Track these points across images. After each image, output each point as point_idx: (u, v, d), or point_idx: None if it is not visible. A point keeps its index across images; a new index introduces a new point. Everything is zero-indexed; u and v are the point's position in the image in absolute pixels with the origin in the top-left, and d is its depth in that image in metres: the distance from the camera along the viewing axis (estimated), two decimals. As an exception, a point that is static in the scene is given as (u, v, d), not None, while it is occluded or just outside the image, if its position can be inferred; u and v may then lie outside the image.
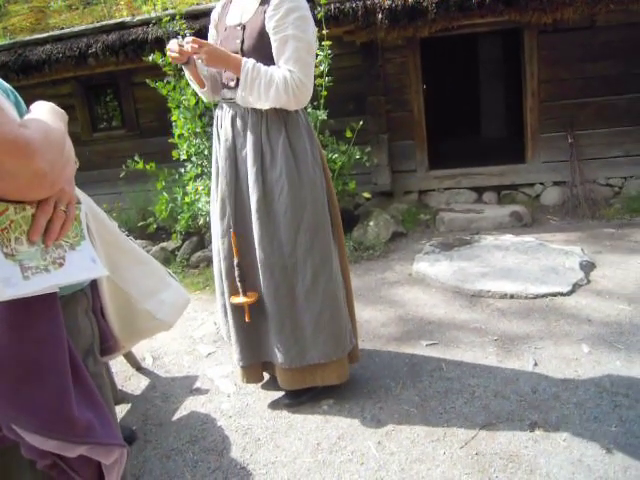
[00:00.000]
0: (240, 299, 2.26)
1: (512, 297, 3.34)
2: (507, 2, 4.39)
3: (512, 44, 5.62)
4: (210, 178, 4.18)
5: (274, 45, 2.11)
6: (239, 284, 2.26)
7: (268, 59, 2.14)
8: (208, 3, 5.14)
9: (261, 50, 2.15)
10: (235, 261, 2.27)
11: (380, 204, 5.10)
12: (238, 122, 2.27)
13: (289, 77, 2.07)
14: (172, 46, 2.14)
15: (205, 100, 2.50)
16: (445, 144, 5.75)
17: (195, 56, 2.15)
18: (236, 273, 2.27)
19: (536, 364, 2.61)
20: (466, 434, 2.17)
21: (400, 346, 2.91)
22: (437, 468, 2.01)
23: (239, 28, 2.22)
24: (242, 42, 2.19)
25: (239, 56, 2.16)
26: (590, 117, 5.07)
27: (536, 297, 3.31)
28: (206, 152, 4.27)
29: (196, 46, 2.08)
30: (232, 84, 2.24)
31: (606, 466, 1.93)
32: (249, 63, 2.11)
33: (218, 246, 2.40)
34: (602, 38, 4.88)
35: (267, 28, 2.11)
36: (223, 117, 2.34)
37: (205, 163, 4.36)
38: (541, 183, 5.31)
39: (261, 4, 2.15)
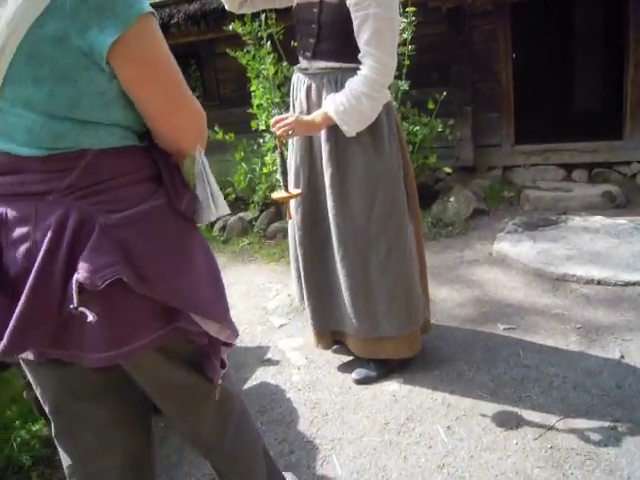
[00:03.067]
0: (282, 193, 2.16)
1: (599, 283, 3.13)
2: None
3: (614, 8, 5.20)
4: (288, 149, 4.21)
5: (355, 22, 2.01)
6: (281, 178, 2.19)
7: (346, 32, 2.05)
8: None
9: (339, 25, 2.06)
10: (278, 160, 2.24)
11: (461, 179, 4.92)
12: (313, 93, 2.24)
13: (369, 76, 2.01)
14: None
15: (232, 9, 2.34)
16: (534, 117, 5.44)
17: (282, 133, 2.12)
18: (279, 169, 2.22)
19: (622, 357, 2.45)
20: (541, 426, 2.07)
21: (476, 328, 2.81)
22: (508, 458, 1.93)
23: None
24: (319, 12, 2.12)
25: (321, 112, 2.12)
26: (698, 90, 4.63)
27: (626, 285, 3.09)
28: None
29: (285, 127, 2.09)
30: (308, 54, 2.19)
31: (697, 473, 1.79)
32: (330, 110, 2.07)
33: (293, 216, 2.40)
34: None
35: (347, 3, 2.02)
36: (299, 88, 2.31)
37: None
38: (639, 162, 4.94)
39: None
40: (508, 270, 3.48)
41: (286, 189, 2.15)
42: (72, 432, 1.29)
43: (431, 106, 4.18)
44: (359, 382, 2.44)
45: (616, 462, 1.86)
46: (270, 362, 2.73)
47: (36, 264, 0.99)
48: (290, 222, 2.46)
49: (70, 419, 1.28)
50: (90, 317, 0.99)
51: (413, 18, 3.84)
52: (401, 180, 2.27)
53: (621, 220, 3.98)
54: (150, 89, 1.07)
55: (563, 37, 6.98)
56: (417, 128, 4.16)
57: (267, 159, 4.34)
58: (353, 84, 2.04)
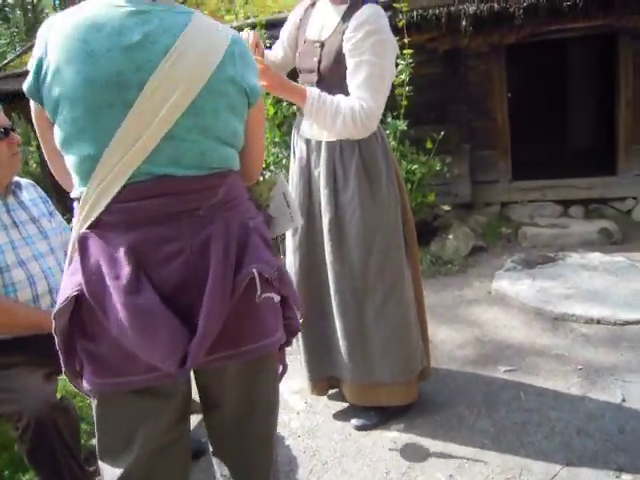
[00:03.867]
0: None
1: (599, 322, 3.14)
2: (602, 6, 4.14)
3: (604, 50, 5.32)
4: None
5: (349, 67, 2.07)
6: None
7: (343, 80, 2.10)
8: (289, 12, 5.17)
9: (337, 71, 2.12)
10: None
11: (459, 216, 4.96)
12: (313, 140, 2.26)
13: (357, 107, 2.03)
14: (249, 38, 2.05)
15: None
16: (530, 154, 5.52)
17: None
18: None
19: (624, 400, 2.44)
20: (545, 473, 2.05)
21: (476, 370, 2.80)
22: (512, 509, 1.91)
23: (317, 45, 2.19)
24: (319, 61, 2.17)
25: (303, 87, 2.13)
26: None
27: (625, 324, 3.10)
28: (284, 162, 4.29)
29: (264, 69, 2.06)
30: None
31: (703, 524, 1.76)
32: (314, 93, 2.07)
33: (291, 260, 2.41)
34: None
35: (344, 50, 2.07)
36: (299, 136, 2.34)
37: (283, 172, 4.38)
38: (633, 197, 4.99)
39: (342, 20, 2.12)
40: (507, 309, 3.48)
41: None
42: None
43: (429, 145, 4.23)
44: (359, 429, 2.41)
45: (621, 513, 1.84)
46: (269, 406, 2.70)
47: (212, 273, 1.11)
48: (288, 266, 2.46)
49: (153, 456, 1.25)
50: (276, 298, 1.21)
51: (410, 60, 3.90)
52: (399, 227, 2.29)
53: (618, 257, 4.00)
54: (262, 129, 1.37)
55: (557, 76, 7.11)
56: (416, 167, 4.20)
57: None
58: (344, 102, 2.05)
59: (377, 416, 2.43)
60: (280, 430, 2.49)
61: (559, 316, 3.25)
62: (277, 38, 4.52)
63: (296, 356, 3.02)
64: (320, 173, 2.25)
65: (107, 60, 1.09)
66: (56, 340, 1.15)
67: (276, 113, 4.19)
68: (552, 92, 7.07)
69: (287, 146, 4.33)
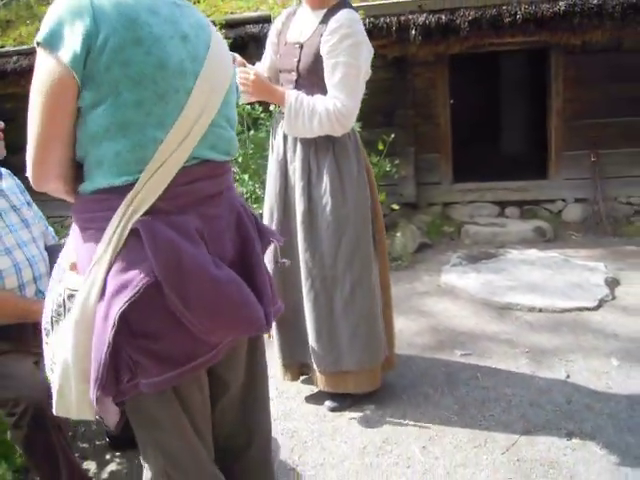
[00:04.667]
0: None
1: (540, 311, 3.43)
2: (538, 23, 4.50)
3: (536, 62, 5.73)
4: (242, 185, 4.32)
5: (326, 68, 2.23)
6: None
7: (321, 79, 2.26)
8: (243, 13, 5.27)
9: (315, 71, 2.27)
10: None
11: (405, 215, 5.20)
12: (290, 138, 2.40)
13: (332, 106, 2.18)
14: None
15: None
16: (469, 158, 5.85)
17: (241, 86, 2.24)
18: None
19: (568, 376, 2.71)
20: (506, 441, 2.26)
21: (435, 355, 3.01)
22: (481, 472, 2.11)
23: (297, 46, 2.34)
24: (298, 61, 2.32)
25: (282, 89, 2.29)
26: (613, 137, 5.16)
27: (563, 311, 3.41)
28: (240, 160, 4.36)
29: (245, 75, 2.21)
30: None
31: (644, 475, 2.02)
32: (292, 95, 2.23)
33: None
34: (628, 60, 4.99)
35: (321, 51, 2.23)
36: (277, 132, 2.47)
37: (237, 170, 4.45)
38: (563, 199, 5.41)
39: (320, 23, 2.27)
40: (457, 300, 3.73)
41: None
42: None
43: (380, 147, 4.44)
44: (333, 410, 2.55)
45: (575, 469, 2.08)
46: (242, 393, 2.80)
47: (255, 248, 1.30)
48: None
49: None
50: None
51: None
52: (368, 221, 2.44)
53: (552, 253, 4.36)
54: None
55: (494, 85, 7.56)
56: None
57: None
58: (319, 103, 2.21)
59: (349, 399, 2.58)
60: (256, 414, 2.60)
61: (505, 305, 3.53)
62: (232, 39, 4.65)
63: (267, 345, 3.13)
64: (295, 168, 2.39)
65: (172, 47, 1.13)
66: (103, 349, 1.09)
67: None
68: (490, 101, 7.52)
69: (240, 144, 4.42)
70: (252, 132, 4.36)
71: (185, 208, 1.17)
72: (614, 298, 3.58)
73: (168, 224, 1.13)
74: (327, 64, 2.22)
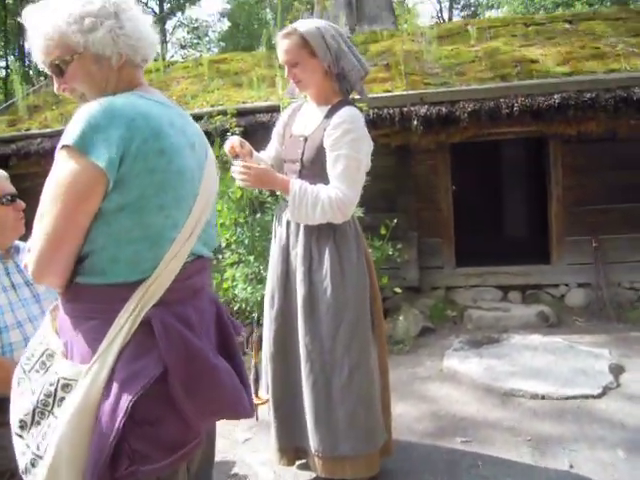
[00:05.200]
0: (254, 400, 2.31)
1: (543, 398, 3.38)
2: (534, 115, 4.71)
3: (535, 150, 5.93)
4: (247, 266, 4.41)
5: (328, 160, 2.35)
6: (252, 385, 2.34)
7: (324, 170, 2.37)
8: (254, 102, 5.54)
9: (318, 162, 2.39)
10: (252, 362, 2.38)
11: (408, 299, 5.22)
12: (292, 224, 2.49)
13: (334, 196, 2.28)
14: (233, 142, 2.38)
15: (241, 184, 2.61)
16: (471, 243, 5.94)
17: (240, 178, 2.35)
18: (251, 374, 2.35)
19: (572, 467, 2.65)
20: (507, 535, 2.19)
21: (435, 441, 2.95)
22: None
23: (302, 139, 2.47)
24: (302, 153, 2.44)
25: (286, 178, 2.39)
26: (614, 223, 5.25)
27: (567, 398, 3.36)
28: (246, 241, 4.48)
29: (246, 170, 2.31)
30: None
31: None
32: (296, 185, 2.33)
33: (267, 331, 2.56)
34: (624, 149, 5.15)
35: (324, 144, 2.35)
36: (281, 217, 2.56)
37: (243, 251, 4.56)
38: (565, 284, 5.43)
39: (325, 118, 2.41)
40: (459, 385, 3.68)
41: (256, 395, 2.30)
42: None
43: (383, 231, 4.53)
44: (329, 497, 2.50)
45: None
46: (237, 477, 2.75)
47: (233, 340, 1.38)
48: (264, 337, 2.60)
49: None
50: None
51: (368, 153, 4.26)
52: (367, 306, 2.48)
53: (556, 338, 4.33)
54: None
55: (495, 172, 7.78)
56: (370, 251, 4.46)
57: (227, 275, 4.51)
58: (322, 192, 2.29)
59: (346, 485, 2.52)
60: (251, 499, 2.54)
61: (507, 392, 3.48)
62: (243, 127, 4.87)
63: (261, 428, 3.10)
64: (297, 253, 2.47)
65: (186, 156, 1.26)
66: (109, 438, 1.11)
67: (242, 196, 4.41)
68: (491, 187, 7.71)
69: (249, 227, 4.54)
70: (259, 215, 4.50)
71: (184, 301, 1.28)
72: (619, 385, 3.53)
73: (174, 315, 1.23)
74: (330, 156, 2.34)
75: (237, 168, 2.33)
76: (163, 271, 1.22)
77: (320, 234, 2.41)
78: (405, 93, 5.02)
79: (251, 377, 2.32)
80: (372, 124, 4.72)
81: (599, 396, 3.37)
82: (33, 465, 1.19)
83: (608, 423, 3.05)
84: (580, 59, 5.40)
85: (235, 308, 4.59)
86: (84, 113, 1.17)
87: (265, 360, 2.60)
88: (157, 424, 1.18)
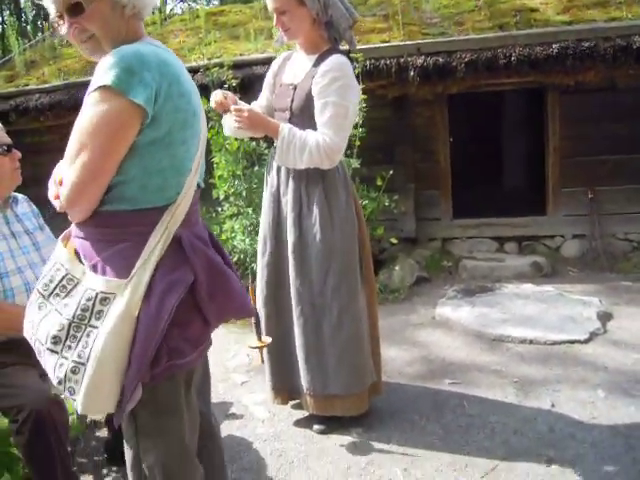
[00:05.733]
0: (255, 343, 2.38)
1: (531, 342, 3.50)
2: (532, 65, 4.67)
3: (535, 101, 5.90)
4: (246, 218, 4.48)
5: (316, 107, 2.39)
6: (254, 328, 2.43)
7: (312, 118, 2.42)
8: (250, 55, 5.51)
9: (307, 110, 2.44)
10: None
11: (405, 249, 5.31)
12: (283, 172, 2.56)
13: (321, 141, 2.33)
14: (217, 97, 2.43)
15: (229, 133, 2.66)
16: (469, 194, 5.98)
17: (236, 120, 2.39)
18: (253, 319, 2.44)
19: (553, 405, 2.77)
20: (486, 466, 2.32)
21: (424, 383, 3.08)
22: (459, 495, 2.17)
23: (291, 88, 2.51)
24: (292, 101, 2.49)
25: (277, 122, 2.45)
26: (610, 174, 5.26)
27: (554, 344, 3.47)
28: (244, 193, 4.54)
29: (241, 110, 2.36)
30: None
31: (618, 500, 2.07)
32: (285, 129, 2.39)
33: (260, 277, 2.67)
34: (622, 99, 5.12)
35: (313, 92, 2.39)
36: (272, 165, 2.62)
37: (242, 203, 4.62)
38: (561, 236, 5.49)
39: (313, 66, 2.44)
40: (450, 332, 3.80)
41: (259, 338, 2.39)
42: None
43: (379, 183, 4.58)
44: (321, 432, 2.63)
45: (551, 494, 2.13)
46: (234, 416, 2.89)
47: (226, 256, 1.58)
48: (258, 282, 2.69)
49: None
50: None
51: (364, 105, 4.27)
52: (355, 251, 2.57)
53: (548, 287, 4.42)
54: None
55: (493, 123, 7.74)
56: (366, 202, 4.53)
57: (226, 226, 4.59)
58: (310, 137, 2.36)
59: (337, 422, 2.66)
60: (247, 436, 2.68)
61: (497, 337, 3.59)
62: (240, 79, 4.86)
63: (259, 372, 3.24)
64: (287, 200, 2.54)
65: (196, 99, 1.46)
66: (155, 338, 1.32)
67: (238, 148, 4.45)
68: (491, 139, 7.69)
69: (247, 179, 4.60)
70: (256, 167, 4.55)
71: (195, 223, 1.51)
72: (606, 332, 3.64)
73: (193, 234, 1.46)
74: (317, 104, 2.39)
75: (231, 117, 2.39)
76: (184, 197, 1.42)
77: (309, 181, 2.47)
78: (401, 43, 4.98)
79: (252, 322, 2.41)
80: (368, 75, 4.73)
81: (585, 341, 3.48)
82: (74, 372, 1.33)
83: (592, 366, 3.17)
84: (581, 7, 5.32)
85: (235, 259, 4.69)
86: (116, 59, 1.29)
87: (259, 304, 2.70)
88: (186, 325, 1.42)
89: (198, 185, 1.52)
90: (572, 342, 3.47)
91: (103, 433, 2.68)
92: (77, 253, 1.45)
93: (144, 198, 1.37)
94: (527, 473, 2.26)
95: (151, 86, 1.29)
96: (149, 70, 1.29)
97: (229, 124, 2.50)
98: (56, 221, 2.18)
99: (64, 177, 1.34)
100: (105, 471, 2.46)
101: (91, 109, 1.29)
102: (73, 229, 1.47)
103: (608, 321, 3.80)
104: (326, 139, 2.33)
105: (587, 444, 2.44)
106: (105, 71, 1.27)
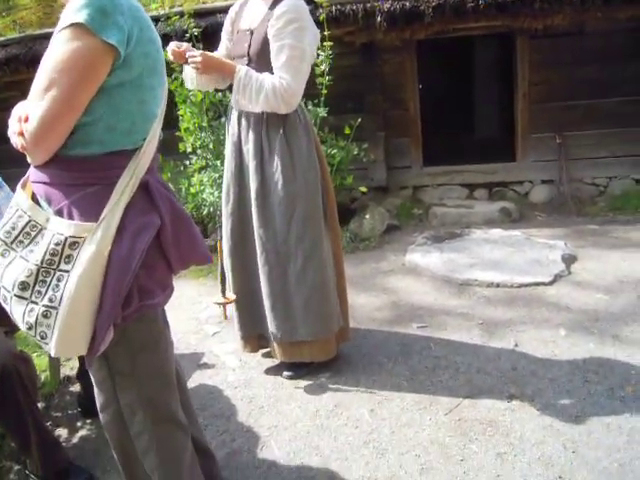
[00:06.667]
0: (219, 299, 2.41)
1: (498, 286, 3.57)
2: (500, 8, 4.61)
3: (506, 47, 5.85)
4: (214, 170, 4.43)
5: (272, 50, 2.35)
6: (220, 285, 2.43)
7: (270, 63, 2.38)
8: (214, 3, 5.34)
9: (264, 55, 2.40)
10: (218, 263, 2.47)
11: (376, 198, 5.33)
12: (243, 120, 2.52)
13: (278, 84, 2.30)
14: (171, 48, 2.37)
15: (191, 86, 2.63)
16: (439, 142, 5.97)
17: (192, 66, 2.36)
18: (218, 275, 2.45)
19: (517, 345, 2.85)
20: (450, 403, 2.40)
21: (392, 328, 3.14)
22: (424, 431, 2.24)
23: (248, 33, 2.45)
24: (249, 46, 2.44)
25: (233, 63, 2.40)
26: (578, 119, 5.29)
27: (520, 286, 3.55)
28: (211, 145, 4.48)
29: (194, 56, 2.32)
30: None
31: (573, 430, 2.17)
32: (242, 70, 2.35)
33: (225, 226, 2.66)
34: (590, 44, 5.11)
35: (268, 35, 2.34)
36: (232, 114, 2.58)
37: (209, 156, 4.57)
38: (530, 181, 5.55)
39: (269, 10, 2.38)
40: (419, 278, 3.86)
41: (223, 295, 2.37)
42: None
43: (347, 131, 4.55)
44: (290, 378, 2.69)
45: (511, 427, 2.22)
46: (206, 366, 2.93)
47: (179, 204, 1.57)
48: (224, 232, 2.69)
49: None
50: None
51: (330, 52, 4.20)
52: (319, 198, 2.56)
53: (515, 232, 4.49)
54: None
55: (465, 70, 7.68)
56: (335, 151, 4.50)
57: (194, 180, 4.54)
58: (267, 79, 2.32)
59: (306, 368, 2.71)
60: (218, 384, 2.73)
61: (464, 282, 3.66)
62: (203, 28, 4.73)
63: (229, 322, 3.26)
64: (249, 148, 2.51)
65: (160, 46, 1.46)
66: (126, 279, 1.35)
67: (203, 99, 4.36)
68: (463, 87, 7.65)
69: (213, 131, 4.53)
70: (223, 119, 4.47)
71: (156, 170, 1.54)
72: (570, 273, 3.72)
73: (157, 181, 1.50)
74: (273, 47, 2.34)
75: (190, 67, 2.35)
76: (150, 143, 1.43)
77: (270, 128, 2.44)
78: (369, -13, 4.87)
79: (218, 278, 2.43)
80: (335, 21, 4.64)
81: (550, 283, 3.56)
82: (46, 316, 1.33)
83: (555, 307, 3.26)
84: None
85: (204, 213, 4.67)
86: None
87: (225, 255, 2.71)
88: (154, 267, 1.46)
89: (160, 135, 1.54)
90: (537, 284, 3.55)
91: (76, 388, 2.70)
92: (35, 198, 1.42)
93: (112, 140, 1.37)
94: (489, 409, 2.34)
95: (124, 29, 1.29)
96: (122, 14, 1.30)
97: (189, 75, 2.45)
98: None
99: (30, 113, 1.31)
100: (79, 424, 2.49)
101: (62, 46, 1.28)
102: (33, 173, 1.43)
103: (572, 263, 3.89)
104: (283, 82, 2.29)
105: (547, 380, 2.53)
106: (77, 10, 1.26)
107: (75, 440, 2.40)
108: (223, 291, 2.40)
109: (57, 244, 1.33)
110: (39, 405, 2.35)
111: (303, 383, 2.65)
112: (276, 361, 2.80)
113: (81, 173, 1.37)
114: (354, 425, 2.32)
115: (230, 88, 2.52)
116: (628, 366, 2.58)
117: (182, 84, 4.35)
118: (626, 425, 2.18)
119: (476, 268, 3.82)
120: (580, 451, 2.06)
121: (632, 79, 5.15)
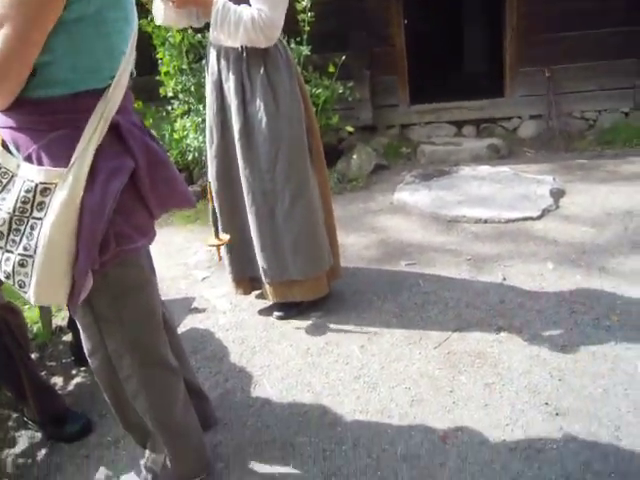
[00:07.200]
0: (213, 241, 2.36)
1: (486, 222, 3.57)
2: None
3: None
4: (197, 115, 4.33)
5: None
6: (213, 226, 2.41)
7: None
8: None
9: None
10: (210, 205, 2.43)
11: (363, 138, 5.25)
12: (222, 58, 2.44)
13: (257, 16, 2.21)
14: None
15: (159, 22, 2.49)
16: (428, 79, 5.85)
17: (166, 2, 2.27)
18: (210, 217, 2.42)
19: (505, 279, 2.88)
20: (439, 337, 2.44)
21: (382, 266, 3.15)
22: (413, 365, 2.28)
23: None
24: None
25: None
26: (567, 52, 5.17)
27: (508, 222, 3.55)
28: (192, 89, 4.36)
29: None
30: None
31: (559, 359, 2.22)
32: (220, 2, 2.24)
33: (210, 168, 2.62)
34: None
35: None
36: (210, 53, 2.50)
37: (192, 100, 4.45)
38: (519, 117, 5.48)
39: None
40: (407, 216, 3.85)
41: (217, 236, 2.33)
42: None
43: (331, 70, 4.44)
44: (281, 318, 2.71)
45: (499, 358, 2.26)
46: (197, 310, 2.94)
47: (164, 151, 1.56)
48: (209, 174, 2.64)
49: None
50: None
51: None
52: (303, 136, 2.51)
53: (504, 168, 4.47)
54: None
55: (453, 5, 7.45)
56: (319, 90, 4.40)
57: (177, 125, 4.45)
58: (245, 11, 2.23)
59: (296, 308, 2.73)
60: (209, 327, 2.75)
61: (452, 218, 3.66)
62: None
63: (220, 268, 3.26)
64: (230, 87, 2.43)
65: None
66: (100, 223, 1.31)
67: (182, 40, 4.22)
68: (451, 22, 7.44)
69: (194, 74, 4.40)
70: (204, 61, 4.33)
71: (130, 110, 1.47)
72: (558, 208, 3.73)
73: (129, 121, 1.42)
74: None
75: (160, 2, 2.25)
76: (119, 81, 1.35)
77: (250, 65, 2.37)
78: None
79: (210, 220, 2.39)
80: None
81: (538, 218, 3.57)
82: (22, 265, 1.31)
83: (542, 241, 3.27)
84: None
85: (190, 158, 4.59)
86: None
87: (214, 197, 2.67)
88: (131, 212, 1.42)
89: (131, 73, 1.45)
90: (525, 219, 3.56)
91: (69, 337, 2.71)
92: (5, 145, 1.37)
93: (76, 80, 1.30)
94: (477, 341, 2.38)
95: None
96: None
97: (158, 8, 2.35)
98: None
99: None
100: (74, 371, 2.52)
101: None
102: (0, 119, 1.37)
103: (561, 198, 3.89)
104: (261, 14, 2.21)
105: (534, 312, 2.57)
106: None
107: (71, 387, 2.42)
108: (217, 233, 2.38)
109: (28, 191, 1.29)
110: (33, 355, 2.37)
111: (294, 323, 2.67)
112: (267, 303, 2.82)
113: (47, 116, 1.31)
114: (345, 361, 2.35)
115: (209, 27, 2.42)
116: (614, 296, 2.62)
117: (160, 26, 4.20)
118: (611, 353, 2.23)
119: (464, 205, 3.81)
120: (566, 379, 2.11)
121: (622, 9, 5.01)
